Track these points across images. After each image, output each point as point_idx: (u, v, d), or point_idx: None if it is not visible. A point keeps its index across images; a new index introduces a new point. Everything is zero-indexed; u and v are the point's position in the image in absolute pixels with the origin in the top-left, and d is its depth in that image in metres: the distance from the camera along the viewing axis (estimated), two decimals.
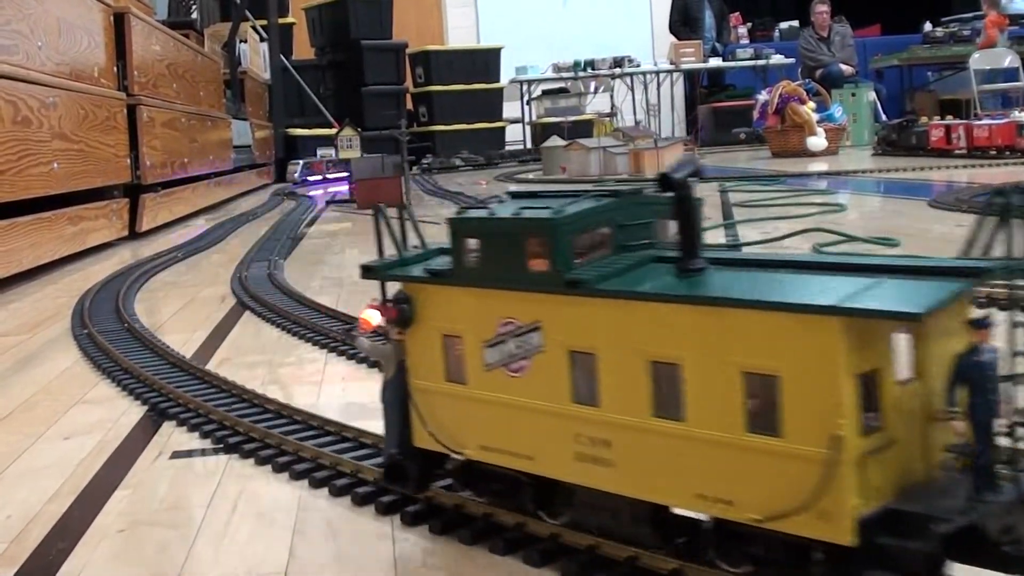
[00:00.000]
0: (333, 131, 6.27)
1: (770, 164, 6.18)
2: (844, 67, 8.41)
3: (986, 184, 3.81)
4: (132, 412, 1.37)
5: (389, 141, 5.92)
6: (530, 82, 9.17)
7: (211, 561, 0.87)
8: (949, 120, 5.84)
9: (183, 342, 1.80)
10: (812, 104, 6.66)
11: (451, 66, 8.77)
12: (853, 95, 7.48)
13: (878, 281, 0.63)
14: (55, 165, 3.00)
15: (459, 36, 10.19)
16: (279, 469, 1.08)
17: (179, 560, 0.87)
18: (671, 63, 9.33)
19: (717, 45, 9.65)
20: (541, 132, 8.42)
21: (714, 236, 2.74)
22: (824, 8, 8.62)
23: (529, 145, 9.03)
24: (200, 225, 4.44)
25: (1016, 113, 5.62)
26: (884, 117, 7.74)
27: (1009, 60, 7.54)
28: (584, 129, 8.09)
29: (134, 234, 3.85)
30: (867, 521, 0.61)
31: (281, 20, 8.06)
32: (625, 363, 0.70)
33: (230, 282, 2.51)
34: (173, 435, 1.25)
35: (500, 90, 8.98)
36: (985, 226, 0.62)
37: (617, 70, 9.11)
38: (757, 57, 9.33)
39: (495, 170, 7.88)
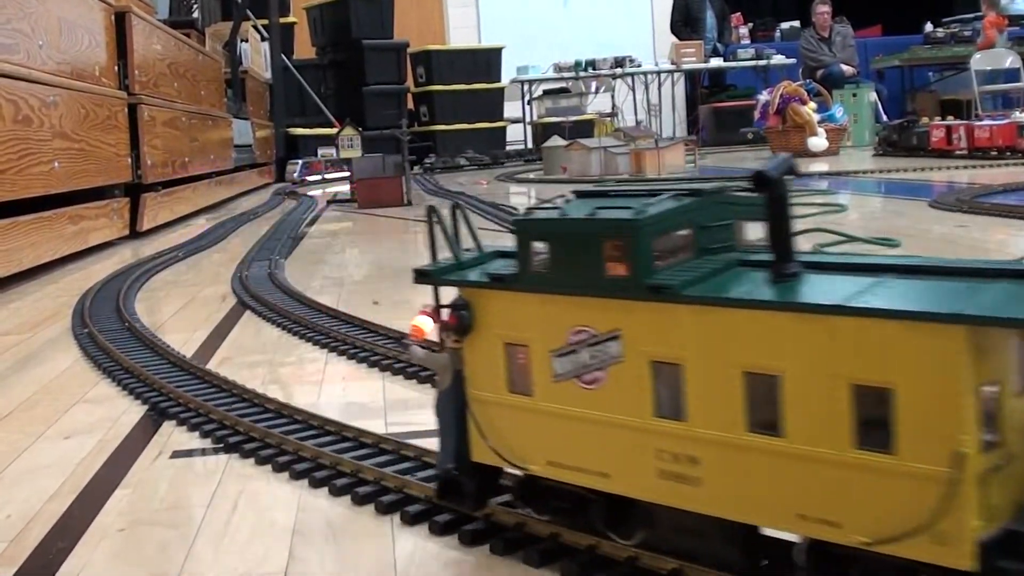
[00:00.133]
0: (334, 130, 6.27)
1: None
2: (845, 67, 8.41)
3: (987, 185, 3.81)
4: (132, 411, 1.37)
5: (390, 141, 5.92)
6: (531, 82, 9.17)
7: (211, 561, 0.87)
8: (950, 121, 5.84)
9: (184, 341, 1.80)
10: (813, 104, 6.66)
11: (452, 66, 8.77)
12: (854, 95, 7.49)
13: (977, 286, 0.59)
14: (56, 164, 3.00)
15: (460, 36, 10.20)
16: (279, 469, 1.07)
17: (179, 560, 0.87)
18: (672, 63, 9.33)
19: (718, 45, 9.65)
20: (542, 132, 8.43)
21: None
22: (825, 8, 8.62)
23: (530, 145, 9.04)
24: (201, 224, 4.44)
25: (1017, 114, 5.62)
26: (885, 118, 7.75)
27: (1010, 61, 7.54)
28: (585, 129, 8.10)
29: (135, 233, 3.85)
30: (987, 544, 0.57)
31: (282, 19, 8.07)
32: (716, 374, 0.65)
33: (231, 281, 2.51)
34: (173, 435, 1.25)
35: (501, 90, 8.99)
36: None
37: (618, 70, 9.12)
38: (758, 57, 9.34)
39: (499, 169, 7.88)
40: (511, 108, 9.10)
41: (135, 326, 1.89)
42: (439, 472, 0.86)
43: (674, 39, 9.52)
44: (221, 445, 1.18)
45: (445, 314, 0.81)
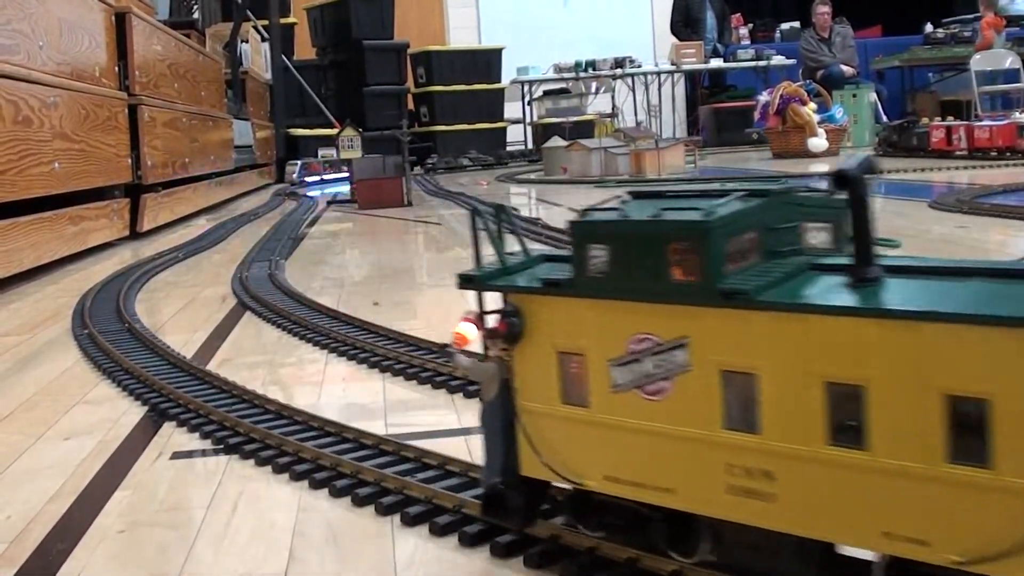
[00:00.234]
0: (334, 131, 6.27)
1: (771, 165, 6.18)
2: (845, 68, 8.41)
3: (987, 185, 3.81)
4: (132, 412, 1.37)
5: (390, 141, 5.92)
6: (531, 82, 9.18)
7: (211, 562, 0.87)
8: (950, 121, 5.84)
9: (184, 342, 1.80)
10: (813, 105, 6.67)
11: (452, 66, 8.78)
12: (854, 96, 7.50)
13: None
14: (56, 165, 3.00)
15: (460, 36, 10.20)
16: (279, 470, 1.07)
17: (179, 561, 0.87)
18: (672, 64, 9.34)
19: (718, 46, 9.66)
20: (542, 132, 8.44)
21: None
22: (825, 9, 8.62)
23: (530, 146, 9.04)
24: (201, 225, 4.44)
25: (1017, 114, 5.62)
26: (885, 118, 7.75)
27: (1010, 61, 7.54)
28: (585, 130, 8.11)
29: (135, 234, 3.85)
30: None
31: (283, 20, 8.07)
32: (794, 385, 0.62)
33: (231, 282, 2.51)
34: (173, 436, 1.25)
35: (501, 90, 8.99)
36: None
37: (618, 71, 9.12)
38: (758, 58, 9.34)
39: (502, 170, 7.89)
40: (511, 109, 9.10)
41: (135, 327, 1.89)
42: (484, 487, 0.81)
43: (674, 40, 9.53)
44: (221, 446, 1.18)
45: (492, 321, 0.77)
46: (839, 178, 0.62)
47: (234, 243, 3.63)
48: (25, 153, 2.76)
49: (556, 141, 6.50)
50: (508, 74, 9.05)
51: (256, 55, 8.04)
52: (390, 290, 2.32)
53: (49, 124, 2.97)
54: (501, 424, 0.78)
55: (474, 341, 0.78)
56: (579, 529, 0.79)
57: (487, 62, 8.91)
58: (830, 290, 0.62)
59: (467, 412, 1.27)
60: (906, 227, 2.88)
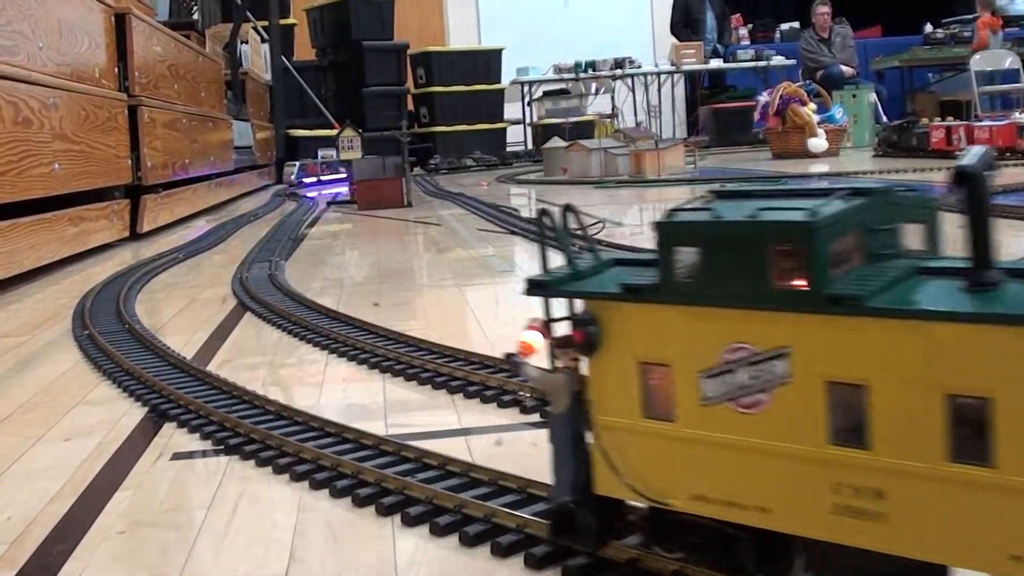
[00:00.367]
0: (334, 132, 6.28)
1: (771, 165, 6.18)
2: (845, 68, 8.42)
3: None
4: (133, 413, 1.37)
5: (390, 142, 5.93)
6: (531, 83, 9.18)
7: (212, 563, 0.87)
8: (950, 121, 5.84)
9: (184, 343, 1.80)
10: (813, 105, 6.67)
11: (452, 67, 8.78)
12: (854, 96, 7.50)
13: None
14: (56, 166, 3.00)
15: (460, 37, 10.21)
16: (280, 470, 1.07)
17: (180, 562, 0.87)
18: (672, 64, 9.35)
19: (718, 46, 9.66)
20: (542, 133, 8.45)
21: None
22: (825, 9, 8.63)
23: (530, 146, 9.04)
24: (201, 226, 4.45)
25: (1016, 115, 5.62)
26: (885, 118, 7.76)
27: (1009, 62, 7.55)
28: (585, 130, 8.11)
29: (135, 235, 3.85)
30: None
31: (282, 21, 8.08)
32: (909, 397, 0.57)
33: (231, 283, 2.51)
34: (174, 436, 1.25)
35: (501, 91, 8.99)
36: None
37: (618, 71, 9.13)
38: (758, 58, 9.35)
39: (503, 170, 7.89)
40: (511, 109, 9.11)
41: (135, 328, 1.89)
42: (553, 506, 0.76)
43: (674, 40, 9.53)
44: (222, 447, 1.18)
45: (564, 329, 0.72)
46: (959, 175, 0.58)
47: (234, 244, 3.63)
48: (25, 154, 2.76)
49: (556, 142, 6.50)
50: (508, 74, 9.06)
51: (256, 56, 8.04)
52: (390, 291, 2.33)
53: (49, 125, 2.97)
54: (572, 439, 0.73)
55: (540, 351, 0.73)
56: (654, 551, 0.74)
57: (487, 62, 8.92)
58: (948, 295, 0.58)
59: (467, 412, 1.27)
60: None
